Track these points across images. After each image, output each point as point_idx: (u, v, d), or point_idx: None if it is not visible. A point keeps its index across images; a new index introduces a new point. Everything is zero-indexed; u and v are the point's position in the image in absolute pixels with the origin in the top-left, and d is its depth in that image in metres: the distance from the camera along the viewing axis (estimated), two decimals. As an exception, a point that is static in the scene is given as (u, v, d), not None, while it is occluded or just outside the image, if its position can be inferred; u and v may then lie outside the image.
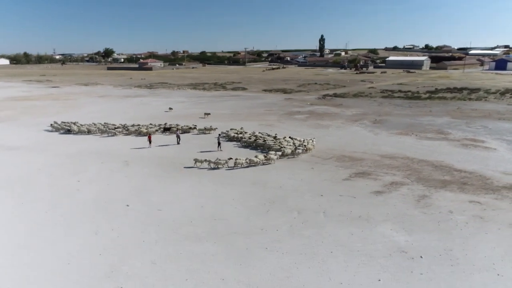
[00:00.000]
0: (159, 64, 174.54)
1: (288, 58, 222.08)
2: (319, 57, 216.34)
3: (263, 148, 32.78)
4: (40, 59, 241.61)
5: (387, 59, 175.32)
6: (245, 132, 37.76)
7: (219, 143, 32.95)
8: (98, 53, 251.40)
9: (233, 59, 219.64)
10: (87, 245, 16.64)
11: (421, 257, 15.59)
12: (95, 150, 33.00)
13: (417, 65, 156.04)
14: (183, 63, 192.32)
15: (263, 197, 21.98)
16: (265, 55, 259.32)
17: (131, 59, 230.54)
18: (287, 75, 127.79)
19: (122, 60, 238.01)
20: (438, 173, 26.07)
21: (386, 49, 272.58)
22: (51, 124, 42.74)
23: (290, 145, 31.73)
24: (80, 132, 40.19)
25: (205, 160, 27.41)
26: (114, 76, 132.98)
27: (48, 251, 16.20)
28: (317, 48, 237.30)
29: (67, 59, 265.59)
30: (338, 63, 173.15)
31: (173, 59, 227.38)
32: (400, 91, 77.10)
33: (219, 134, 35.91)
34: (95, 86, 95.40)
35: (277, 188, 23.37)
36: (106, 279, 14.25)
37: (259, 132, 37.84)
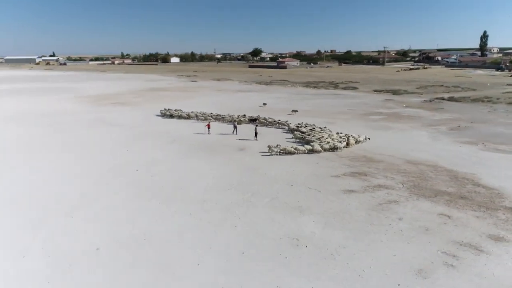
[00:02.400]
0: (295, 63, 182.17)
1: (439, 58, 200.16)
2: (477, 57, 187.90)
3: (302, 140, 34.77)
4: (203, 58, 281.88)
5: None
6: (305, 126, 39.46)
7: (256, 133, 36.12)
8: (252, 52, 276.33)
9: (373, 58, 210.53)
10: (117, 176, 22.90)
11: (306, 246, 16.19)
12: (166, 130, 40.30)
13: None
14: (318, 63, 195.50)
15: (239, 179, 24.53)
16: (414, 54, 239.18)
17: (274, 58, 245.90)
18: (418, 76, 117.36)
19: (268, 59, 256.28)
20: (446, 184, 23.51)
21: None
22: (160, 110, 52.75)
23: (328, 140, 32.67)
24: (179, 117, 48.48)
25: (277, 146, 30.35)
26: (248, 73, 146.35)
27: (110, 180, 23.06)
28: (479, 46, 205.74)
29: (223, 58, 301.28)
30: (497, 64, 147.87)
31: (315, 59, 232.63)
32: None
33: (256, 125, 38.94)
34: (224, 81, 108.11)
35: (260, 174, 25.48)
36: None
37: (305, 125, 39.24)
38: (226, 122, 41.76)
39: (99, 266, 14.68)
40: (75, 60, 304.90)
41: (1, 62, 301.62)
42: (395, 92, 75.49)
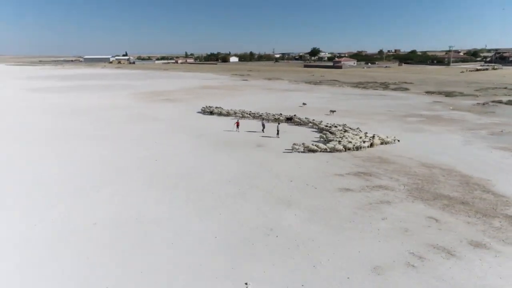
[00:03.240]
0: (351, 63, 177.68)
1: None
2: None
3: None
4: (261, 58, 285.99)
5: None
6: (334, 126, 39.64)
7: (278, 131, 37.00)
8: (310, 52, 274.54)
9: (438, 58, 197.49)
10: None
11: (276, 236, 16.95)
12: (199, 126, 42.61)
13: None
14: (376, 63, 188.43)
15: (244, 172, 25.68)
16: (487, 54, 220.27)
17: (332, 58, 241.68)
18: (482, 78, 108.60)
19: (326, 58, 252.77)
20: (452, 189, 22.60)
21: None
22: (202, 107, 55.63)
23: (349, 140, 32.77)
24: (220, 114, 50.73)
25: (302, 145, 31.30)
26: (301, 73, 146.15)
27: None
28: None
29: (281, 58, 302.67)
30: None
31: (375, 59, 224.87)
32: None
33: (279, 123, 39.62)
34: (275, 80, 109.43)
35: (266, 169, 26.39)
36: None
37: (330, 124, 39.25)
38: (263, 120, 42.56)
39: (92, 239, 16.84)
40: (143, 59, 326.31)
41: (81, 61, 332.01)
42: (448, 94, 71.28)
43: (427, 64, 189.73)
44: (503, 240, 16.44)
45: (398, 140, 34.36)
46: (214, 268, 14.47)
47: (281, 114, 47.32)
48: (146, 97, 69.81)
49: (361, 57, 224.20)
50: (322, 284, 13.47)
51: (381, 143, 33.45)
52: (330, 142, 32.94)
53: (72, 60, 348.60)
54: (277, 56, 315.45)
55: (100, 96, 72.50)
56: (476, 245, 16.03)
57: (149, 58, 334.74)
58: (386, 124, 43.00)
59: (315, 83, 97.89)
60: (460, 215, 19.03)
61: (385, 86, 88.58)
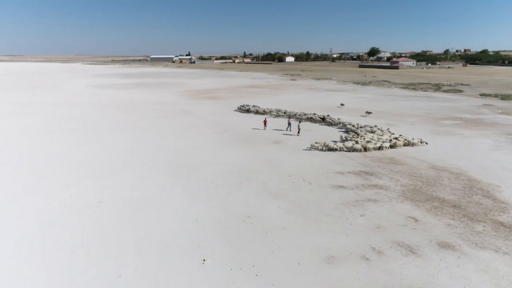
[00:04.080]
0: (410, 63, 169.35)
1: None
2: None
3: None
4: (317, 57, 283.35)
5: None
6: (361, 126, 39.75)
7: (298, 129, 37.79)
8: (369, 52, 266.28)
9: (510, 58, 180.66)
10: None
11: (251, 223, 18.13)
12: (229, 122, 44.61)
13: None
14: (438, 63, 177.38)
15: (248, 166, 27.04)
16: None
17: (390, 57, 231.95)
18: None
19: (385, 58, 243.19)
20: (451, 192, 22.02)
21: None
22: (238, 106, 57.65)
23: (368, 140, 33.05)
24: (256, 112, 52.47)
25: (324, 144, 31.96)
26: (353, 73, 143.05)
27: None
28: None
29: (338, 58, 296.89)
30: None
31: (438, 59, 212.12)
32: None
33: (300, 122, 40.17)
34: (323, 80, 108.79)
35: (272, 164, 27.45)
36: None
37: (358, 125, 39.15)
38: (289, 119, 43.29)
39: (93, 214, 19.40)
40: (204, 59, 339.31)
41: (148, 60, 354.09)
42: (505, 97, 66.29)
43: (497, 64, 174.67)
44: (476, 244, 16.11)
45: (426, 143, 33.54)
46: (182, 245, 16.13)
47: (314, 113, 47.72)
48: (192, 95, 73.74)
49: (423, 57, 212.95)
50: (271, 267, 14.51)
51: (405, 145, 32.86)
52: (347, 142, 33.13)
53: (139, 60, 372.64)
54: (335, 56, 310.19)
55: (150, 93, 77.99)
56: (443, 246, 15.93)
57: (209, 58, 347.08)
58: (417, 127, 41.71)
59: (363, 84, 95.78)
60: (444, 217, 18.74)
61: (437, 87, 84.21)
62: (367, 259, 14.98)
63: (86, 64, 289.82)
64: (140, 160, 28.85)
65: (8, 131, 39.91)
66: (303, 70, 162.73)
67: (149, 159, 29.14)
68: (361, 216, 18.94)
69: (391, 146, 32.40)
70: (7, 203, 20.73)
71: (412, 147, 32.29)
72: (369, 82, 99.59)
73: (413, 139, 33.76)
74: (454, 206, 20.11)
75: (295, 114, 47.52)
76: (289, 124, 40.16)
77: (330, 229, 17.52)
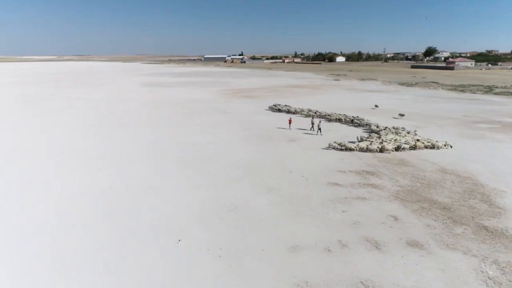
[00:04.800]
0: (468, 63, 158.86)
1: None
2: None
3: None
4: (369, 57, 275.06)
5: None
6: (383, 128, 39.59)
7: (319, 129, 38.26)
8: (425, 51, 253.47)
9: None
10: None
11: (235, 213, 19.44)
12: (255, 120, 46.07)
13: None
14: (499, 63, 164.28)
15: (256, 161, 28.26)
16: None
17: (447, 58, 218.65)
18: None
19: (443, 58, 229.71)
20: (447, 195, 21.65)
21: None
22: (271, 105, 58.81)
23: (381, 140, 33.35)
24: (288, 112, 53.52)
25: (339, 144, 32.42)
26: (403, 73, 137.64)
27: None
28: None
29: (392, 57, 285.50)
30: None
31: (506, 59, 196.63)
32: None
33: (320, 121, 40.37)
34: (367, 81, 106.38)
35: (278, 161, 28.42)
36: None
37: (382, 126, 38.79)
38: (313, 118, 43.51)
39: (101, 197, 21.88)
40: (255, 58, 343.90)
41: (201, 60, 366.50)
42: None
43: None
44: (447, 245, 16.10)
45: (451, 146, 32.62)
46: (166, 226, 17.90)
47: (345, 115, 47.67)
48: (231, 93, 76.22)
49: (485, 57, 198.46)
50: (237, 251, 15.76)
51: (426, 147, 32.18)
52: (362, 142, 33.18)
53: (194, 59, 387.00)
54: (390, 55, 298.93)
55: (192, 91, 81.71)
56: (412, 244, 16.13)
57: (260, 58, 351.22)
58: (447, 129, 40.24)
59: (408, 85, 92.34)
60: (426, 218, 18.71)
61: (488, 89, 79.03)
62: (329, 250, 15.69)
63: (145, 63, 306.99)
64: (158, 152, 31.29)
65: (55, 123, 44.75)
66: (351, 71, 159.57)
67: (166, 152, 31.49)
68: (342, 212, 19.47)
69: (411, 148, 31.93)
70: (34, 184, 24.00)
71: (435, 150, 31.50)
72: (415, 83, 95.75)
73: (437, 141, 32.94)
74: (444, 208, 19.89)
75: (325, 115, 47.72)
76: (313, 123, 40.63)
77: (307, 222, 18.32)
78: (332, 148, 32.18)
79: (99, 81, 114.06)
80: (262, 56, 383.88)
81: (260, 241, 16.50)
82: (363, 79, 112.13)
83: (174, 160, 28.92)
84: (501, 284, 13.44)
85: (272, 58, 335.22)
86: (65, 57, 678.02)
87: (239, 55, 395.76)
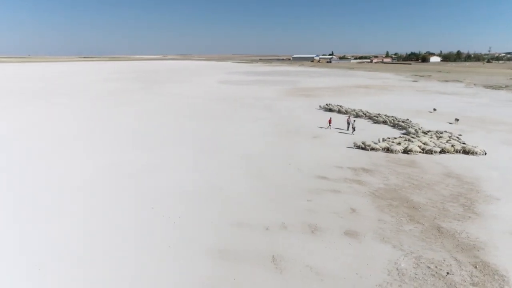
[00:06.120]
0: None
1: None
2: None
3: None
4: (469, 57, 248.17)
5: None
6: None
7: (353, 128, 38.50)
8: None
9: None
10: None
11: (217, 193, 21.94)
12: (295, 117, 47.70)
13: None
14: None
15: (266, 152, 30.27)
16: None
17: None
18: None
19: None
20: (429, 196, 21.19)
21: None
22: (323, 104, 59.15)
23: (405, 142, 33.07)
24: (339, 112, 53.96)
25: (363, 143, 32.71)
26: (498, 75, 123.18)
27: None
28: None
29: (497, 57, 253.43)
30: None
31: None
32: None
33: (354, 120, 40.00)
34: (450, 83, 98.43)
35: (287, 154, 29.96)
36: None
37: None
38: (348, 118, 43.01)
39: (120, 172, 26.25)
40: (342, 58, 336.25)
41: (289, 59, 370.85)
42: None
43: None
44: (383, 238, 16.50)
45: (486, 153, 30.72)
46: (153, 200, 21.22)
47: (393, 117, 46.55)
48: (291, 92, 78.01)
49: None
50: (190, 219, 18.36)
51: (457, 152, 30.65)
52: (381, 143, 32.75)
53: (282, 59, 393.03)
54: (498, 55, 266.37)
55: (257, 89, 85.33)
56: (348, 234, 16.90)
57: (348, 58, 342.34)
58: (493, 135, 37.12)
59: (495, 88, 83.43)
60: (385, 214, 18.96)
61: None
62: (267, 229, 17.36)
63: (235, 62, 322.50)
64: (183, 139, 35.24)
65: (121, 113, 52.11)
66: (440, 71, 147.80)
67: (189, 139, 35.26)
68: (307, 201, 20.69)
69: (442, 152, 30.74)
70: (71, 160, 29.62)
71: (469, 155, 29.90)
72: (506, 86, 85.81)
73: (475, 147, 31.00)
74: (412, 207, 19.78)
75: (373, 116, 46.92)
76: (349, 123, 40.74)
77: (269, 207, 19.99)
78: (357, 147, 32.38)
79: (185, 78, 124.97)
80: (352, 56, 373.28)
81: (215, 216, 18.81)
82: (446, 81, 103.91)
83: (191, 147, 32.41)
84: (404, 275, 13.81)
85: (361, 58, 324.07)
86: (169, 57, 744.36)
87: (329, 54, 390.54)
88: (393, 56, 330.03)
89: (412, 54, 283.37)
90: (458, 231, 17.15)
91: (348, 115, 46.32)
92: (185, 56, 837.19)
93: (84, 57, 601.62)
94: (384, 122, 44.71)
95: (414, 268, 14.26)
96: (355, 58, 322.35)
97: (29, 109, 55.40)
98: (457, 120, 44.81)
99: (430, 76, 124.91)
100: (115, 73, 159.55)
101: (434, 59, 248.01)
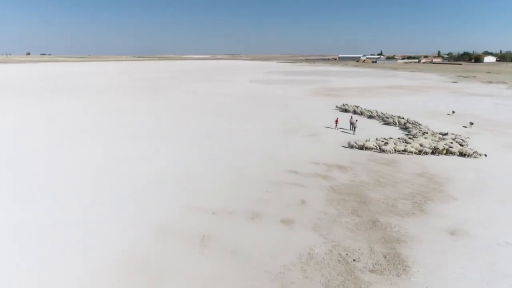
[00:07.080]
0: None
1: None
2: None
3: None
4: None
5: None
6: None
7: (354, 128, 38.92)
8: None
9: None
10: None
11: (190, 180, 24.03)
12: (309, 116, 48.44)
13: None
14: None
15: (250, 150, 31.90)
16: None
17: None
18: None
19: None
20: (386, 194, 21.71)
21: None
22: (339, 104, 59.03)
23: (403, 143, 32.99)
24: (354, 112, 54.41)
25: (356, 142, 33.40)
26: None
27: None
28: None
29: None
30: None
31: None
32: None
33: (356, 120, 40.04)
34: (493, 84, 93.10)
35: (273, 150, 31.45)
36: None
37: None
38: (351, 118, 42.86)
39: (120, 161, 29.21)
40: (389, 58, 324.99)
41: (335, 59, 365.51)
42: None
43: None
44: (314, 227, 17.53)
45: (485, 155, 30.19)
46: (136, 184, 23.82)
47: (406, 119, 45.75)
48: (316, 92, 78.30)
49: None
50: (151, 205, 20.61)
51: (451, 153, 30.26)
52: (369, 142, 32.82)
53: (328, 59, 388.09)
54: None
55: (285, 88, 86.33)
56: (283, 221, 18.10)
57: (395, 58, 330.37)
58: (498, 139, 35.79)
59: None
60: (331, 207, 19.87)
61: None
62: (213, 213, 19.10)
63: (280, 62, 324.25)
64: (189, 134, 37.74)
65: (143, 108, 56.01)
66: (489, 72, 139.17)
67: (193, 134, 37.69)
68: (266, 192, 22.11)
69: (433, 153, 30.62)
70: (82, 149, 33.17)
71: (465, 158, 29.62)
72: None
73: (472, 150, 30.43)
74: (362, 202, 20.51)
75: (388, 117, 46.48)
76: (351, 123, 40.92)
77: (227, 195, 21.58)
78: (351, 147, 32.85)
79: (220, 77, 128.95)
80: (400, 56, 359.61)
81: (171, 200, 20.89)
82: (490, 82, 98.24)
83: (192, 140, 34.75)
84: (312, 259, 14.92)
85: (409, 58, 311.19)
86: (217, 56, 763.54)
87: (378, 54, 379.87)
88: (445, 56, 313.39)
89: (465, 54, 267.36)
90: (392, 226, 17.77)
91: (350, 115, 46.37)
92: (233, 56, 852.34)
93: (139, 57, 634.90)
94: (394, 123, 44.38)
95: (326, 254, 15.31)
96: (403, 58, 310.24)
97: (92, 98, 61.29)
98: (471, 123, 43.18)
99: (474, 77, 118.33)
100: (160, 72, 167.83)
101: (489, 59, 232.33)
